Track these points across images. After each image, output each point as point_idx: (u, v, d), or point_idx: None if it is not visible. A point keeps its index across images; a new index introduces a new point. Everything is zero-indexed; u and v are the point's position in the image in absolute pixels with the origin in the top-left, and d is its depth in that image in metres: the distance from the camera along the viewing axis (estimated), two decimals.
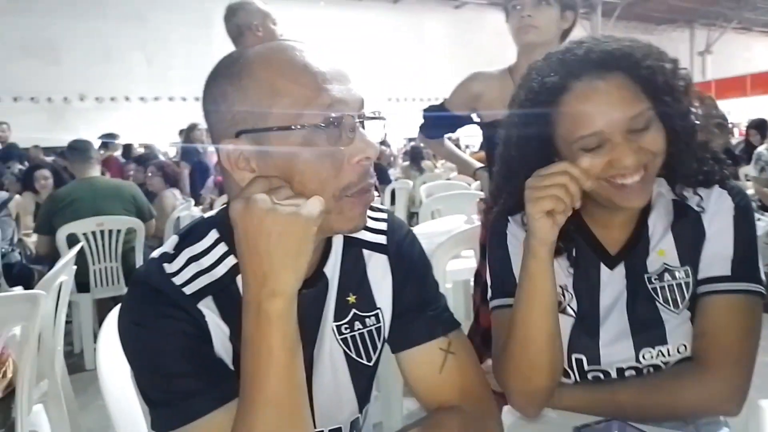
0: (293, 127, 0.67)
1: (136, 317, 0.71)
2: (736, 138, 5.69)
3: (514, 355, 0.89)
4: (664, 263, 0.93)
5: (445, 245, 1.79)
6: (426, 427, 0.78)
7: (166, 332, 0.69)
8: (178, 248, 0.75)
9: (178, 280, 0.71)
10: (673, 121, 0.88)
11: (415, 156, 7.04)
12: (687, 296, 0.92)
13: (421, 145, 6.31)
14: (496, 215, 1.04)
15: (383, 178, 5.84)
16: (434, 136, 2.16)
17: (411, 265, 0.87)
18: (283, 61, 0.69)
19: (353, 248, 0.84)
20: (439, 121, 2.05)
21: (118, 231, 3.30)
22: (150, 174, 4.43)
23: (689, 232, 0.93)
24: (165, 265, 0.73)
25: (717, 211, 0.92)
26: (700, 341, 0.89)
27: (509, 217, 1.01)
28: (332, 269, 0.81)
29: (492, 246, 1.02)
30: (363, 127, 0.71)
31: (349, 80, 0.72)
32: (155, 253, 0.76)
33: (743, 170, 3.92)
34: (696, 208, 0.93)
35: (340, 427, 0.83)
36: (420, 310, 0.85)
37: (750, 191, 3.51)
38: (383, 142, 8.65)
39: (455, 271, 2.05)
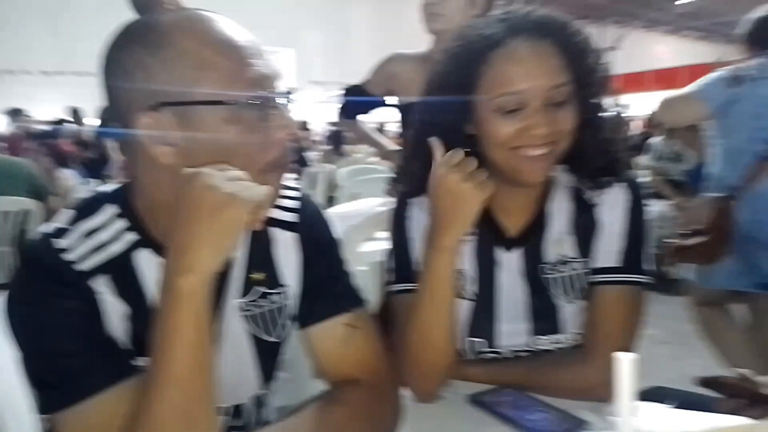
0: (222, 102, 0.66)
1: (23, 295, 0.69)
2: (637, 130, 6.14)
3: (413, 346, 0.91)
4: (561, 254, 0.96)
5: (360, 227, 1.80)
6: (326, 401, 0.80)
7: (52, 310, 0.66)
8: (72, 222, 0.72)
9: (69, 256, 0.69)
10: (587, 107, 0.90)
11: (336, 140, 7.01)
12: (582, 286, 0.95)
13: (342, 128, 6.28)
14: (397, 198, 1.03)
15: (301, 161, 5.78)
16: (351, 118, 2.17)
17: (320, 243, 0.87)
18: (208, 32, 0.68)
19: None
20: (356, 102, 2.06)
21: (11, 213, 3.06)
22: (38, 154, 4.14)
23: (585, 223, 0.96)
24: (55, 240, 0.70)
25: (611, 203, 0.94)
26: (587, 329, 0.94)
27: (408, 200, 1.01)
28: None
29: (392, 229, 1.02)
30: (282, 104, 0.71)
31: (266, 55, 0.72)
32: (46, 228, 0.72)
33: (640, 160, 4.24)
34: (592, 200, 0.96)
35: (243, 403, 0.84)
36: (327, 286, 0.86)
37: (646, 179, 3.78)
38: (303, 125, 8.54)
39: (372, 252, 2.07)
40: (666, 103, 2.20)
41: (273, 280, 0.84)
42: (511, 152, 0.88)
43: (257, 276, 0.82)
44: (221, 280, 0.79)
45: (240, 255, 0.81)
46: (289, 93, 0.73)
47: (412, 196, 1.01)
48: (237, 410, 0.84)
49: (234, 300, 0.81)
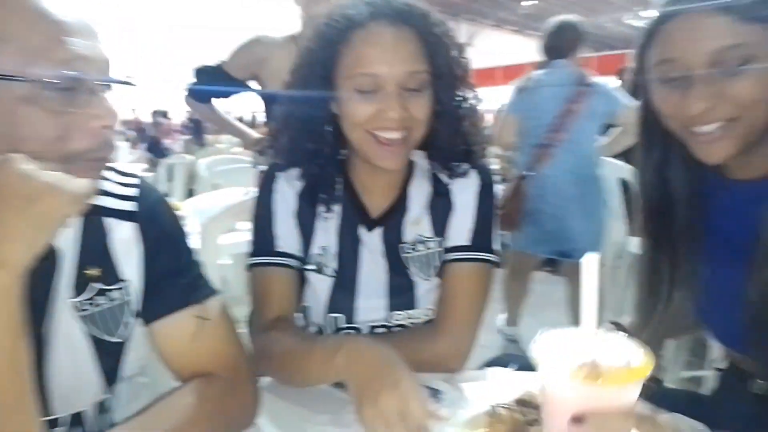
0: (18, 78, 0.59)
1: None
2: (488, 121, 6.59)
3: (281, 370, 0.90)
4: (419, 234, 1.01)
5: (220, 217, 1.73)
6: (178, 396, 0.76)
7: None
8: None
9: None
10: (443, 98, 0.93)
11: (196, 129, 6.69)
12: (437, 264, 1.00)
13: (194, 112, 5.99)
14: (266, 170, 1.03)
15: (158, 152, 5.43)
16: (205, 101, 2.06)
17: (164, 233, 0.82)
18: (16, 1, 0.61)
19: (92, 217, 0.76)
20: (213, 85, 1.96)
21: None
22: None
23: (441, 205, 1.01)
24: None
25: (464, 187, 1.01)
26: (440, 305, 0.99)
27: (276, 173, 1.01)
28: (66, 241, 0.73)
29: (257, 201, 1.02)
30: (106, 91, 0.66)
31: (96, 36, 0.66)
32: None
33: (491, 149, 4.58)
34: (448, 183, 1.01)
35: (84, 411, 0.77)
36: (172, 278, 0.81)
37: (497, 167, 4.09)
38: (161, 113, 8.01)
39: (234, 244, 2.00)
40: (498, 133, 2.80)
41: (111, 276, 0.77)
42: (367, 135, 0.91)
43: (92, 272, 0.76)
44: (50, 277, 0.72)
45: (71, 249, 0.74)
46: (109, 80, 0.67)
47: (280, 170, 1.01)
48: (76, 419, 0.77)
49: (67, 299, 0.73)
